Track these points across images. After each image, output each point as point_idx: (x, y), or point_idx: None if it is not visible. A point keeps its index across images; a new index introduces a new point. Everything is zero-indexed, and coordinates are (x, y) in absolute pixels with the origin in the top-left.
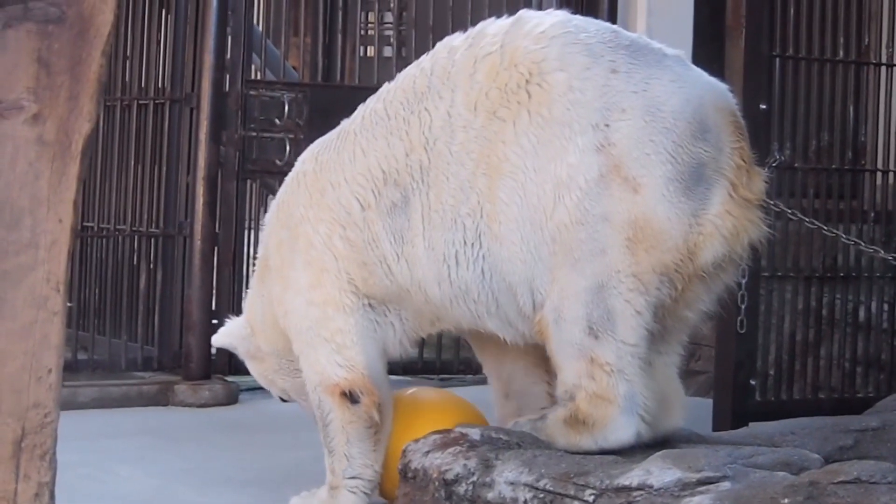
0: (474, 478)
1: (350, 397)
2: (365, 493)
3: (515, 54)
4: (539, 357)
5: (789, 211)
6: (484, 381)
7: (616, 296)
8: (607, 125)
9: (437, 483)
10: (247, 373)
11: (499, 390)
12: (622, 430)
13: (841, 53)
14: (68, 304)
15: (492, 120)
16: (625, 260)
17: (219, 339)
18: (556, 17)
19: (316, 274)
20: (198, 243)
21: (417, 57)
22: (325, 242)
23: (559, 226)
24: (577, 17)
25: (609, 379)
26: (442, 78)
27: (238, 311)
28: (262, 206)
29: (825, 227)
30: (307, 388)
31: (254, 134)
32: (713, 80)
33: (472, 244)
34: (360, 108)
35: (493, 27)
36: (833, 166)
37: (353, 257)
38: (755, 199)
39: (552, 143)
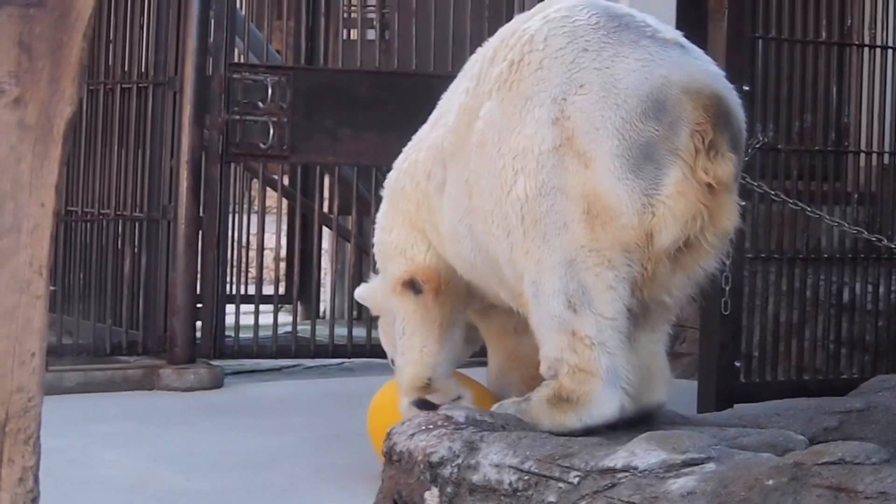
0: (459, 460)
1: (413, 287)
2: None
3: (515, 35)
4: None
5: (773, 192)
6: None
7: (585, 270)
8: (564, 99)
9: (422, 465)
10: (231, 357)
11: (493, 369)
12: (606, 404)
13: (824, 35)
14: (51, 288)
15: (481, 97)
16: (585, 234)
17: (359, 292)
18: (573, 2)
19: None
20: (182, 227)
21: (400, 40)
22: (413, 209)
23: (521, 198)
24: (598, 1)
25: (590, 352)
26: (475, 60)
27: (222, 296)
28: (246, 189)
29: (809, 209)
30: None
31: (237, 117)
32: (700, 63)
33: (462, 219)
34: None
35: (537, 8)
36: (816, 148)
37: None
38: (716, 183)
39: (514, 116)
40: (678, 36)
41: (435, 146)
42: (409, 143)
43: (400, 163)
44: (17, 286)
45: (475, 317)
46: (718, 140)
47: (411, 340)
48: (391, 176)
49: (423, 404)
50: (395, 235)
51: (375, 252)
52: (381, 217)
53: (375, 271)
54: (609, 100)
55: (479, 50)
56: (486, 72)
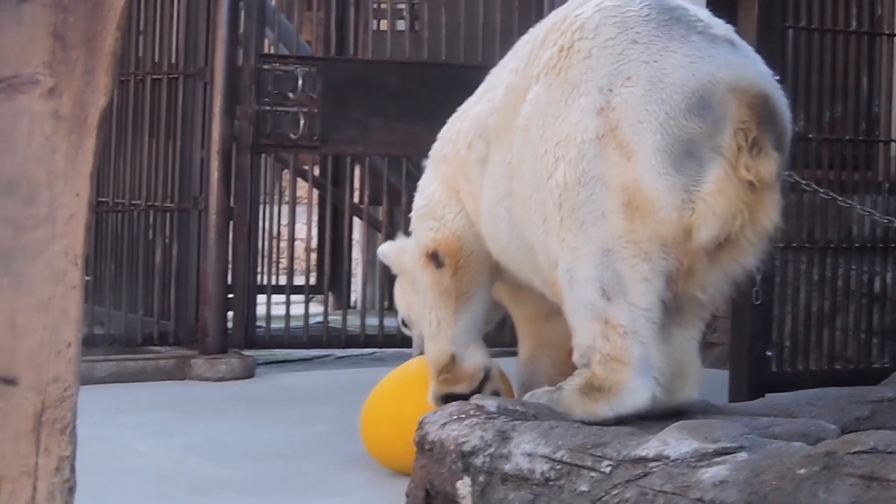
0: (491, 449)
1: (435, 259)
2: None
3: (567, 21)
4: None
5: (804, 182)
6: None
7: (621, 261)
8: (611, 90)
9: (454, 455)
10: (263, 347)
11: (523, 354)
12: (638, 393)
13: (854, 24)
14: (86, 279)
15: (529, 80)
16: (623, 226)
17: (382, 249)
18: None
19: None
20: (213, 217)
21: (430, 30)
22: (451, 173)
23: (560, 185)
24: None
25: (623, 341)
26: (526, 40)
27: (254, 286)
28: (277, 179)
29: (840, 198)
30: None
31: (268, 108)
32: (748, 62)
33: (501, 201)
34: None
35: None
36: (847, 137)
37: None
38: (758, 181)
39: (560, 103)
40: (730, 32)
41: (479, 119)
42: (454, 115)
43: (444, 132)
44: (52, 276)
45: (508, 301)
46: (762, 139)
47: (430, 315)
48: (435, 145)
49: (449, 399)
50: (429, 193)
51: (411, 215)
52: (421, 182)
53: (407, 233)
54: (655, 94)
55: (530, 30)
56: (536, 54)
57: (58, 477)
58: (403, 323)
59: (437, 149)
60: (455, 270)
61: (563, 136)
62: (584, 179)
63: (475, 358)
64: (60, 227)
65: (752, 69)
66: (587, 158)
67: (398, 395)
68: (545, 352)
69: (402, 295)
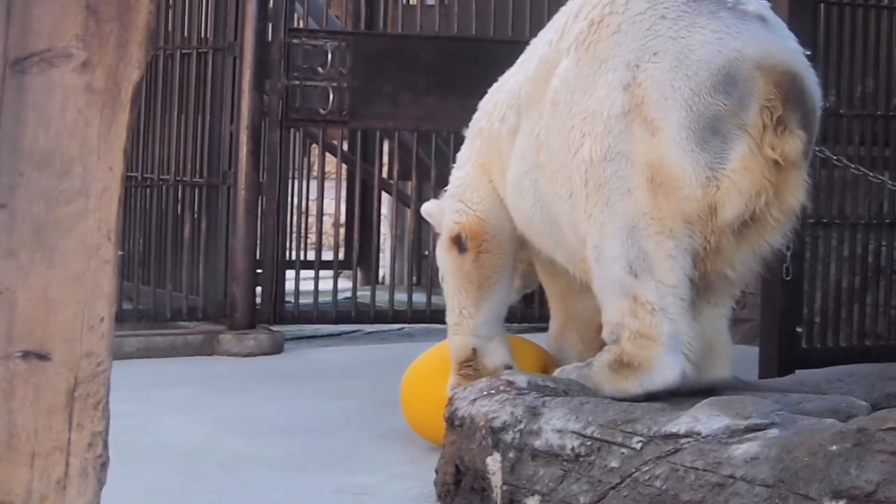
0: (521, 425)
1: (458, 244)
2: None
3: None
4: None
5: (835, 157)
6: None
7: (646, 238)
8: (637, 65)
9: (484, 431)
10: (291, 322)
11: (554, 329)
12: (667, 370)
13: None
14: (119, 253)
15: (560, 52)
16: (648, 202)
17: (426, 207)
18: None
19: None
20: (242, 192)
21: (460, 5)
22: (485, 149)
23: (586, 161)
24: None
25: (651, 318)
26: (563, 12)
27: (282, 262)
28: (306, 154)
29: (871, 174)
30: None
31: (297, 83)
32: (777, 39)
33: (527, 173)
34: None
35: None
36: (878, 112)
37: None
38: (783, 160)
39: (588, 78)
40: (762, 8)
41: (513, 90)
42: (495, 84)
43: (484, 103)
44: (85, 251)
45: (542, 276)
46: (788, 117)
47: (452, 302)
48: (475, 116)
49: None
50: (463, 173)
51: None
52: (459, 154)
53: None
54: (680, 70)
55: (570, 1)
56: (569, 27)
57: (90, 452)
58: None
59: (475, 120)
60: (477, 255)
61: (589, 111)
62: (609, 155)
63: (497, 355)
64: (93, 201)
65: (781, 46)
66: (613, 134)
67: (440, 368)
68: (574, 326)
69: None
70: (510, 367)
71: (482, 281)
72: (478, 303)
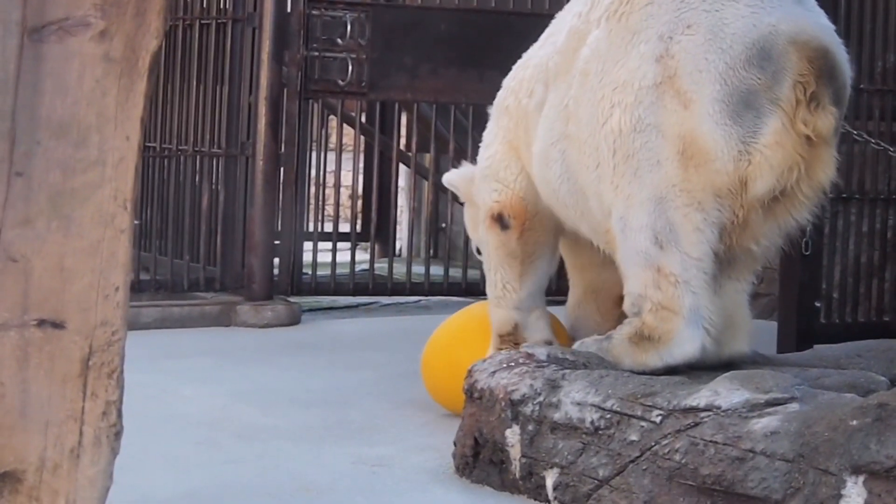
0: (541, 398)
1: (501, 221)
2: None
3: None
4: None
5: (855, 133)
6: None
7: (674, 209)
8: (671, 37)
9: (503, 403)
10: (309, 293)
11: (572, 300)
12: (688, 343)
13: None
14: (135, 223)
15: (591, 24)
16: (678, 174)
17: (448, 177)
18: None
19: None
20: (260, 163)
21: None
22: (513, 126)
23: (615, 131)
24: None
25: (674, 290)
26: None
27: (300, 233)
28: (324, 126)
29: (891, 149)
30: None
31: (316, 54)
32: (811, 15)
33: (555, 143)
34: None
35: None
36: None
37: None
38: (815, 135)
39: (619, 49)
40: None
41: (540, 65)
42: (519, 61)
43: (508, 81)
44: (101, 220)
45: (564, 249)
46: (821, 93)
47: (494, 276)
48: (499, 94)
49: None
50: (491, 152)
51: (475, 171)
52: (485, 133)
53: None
54: (715, 43)
55: None
56: None
57: (104, 421)
58: (478, 251)
59: (500, 98)
60: (521, 233)
61: (620, 81)
62: (639, 126)
63: (537, 330)
64: (110, 170)
65: (815, 22)
66: (644, 105)
67: (462, 336)
68: (592, 297)
69: (472, 223)
70: (550, 342)
71: (525, 257)
72: (521, 277)
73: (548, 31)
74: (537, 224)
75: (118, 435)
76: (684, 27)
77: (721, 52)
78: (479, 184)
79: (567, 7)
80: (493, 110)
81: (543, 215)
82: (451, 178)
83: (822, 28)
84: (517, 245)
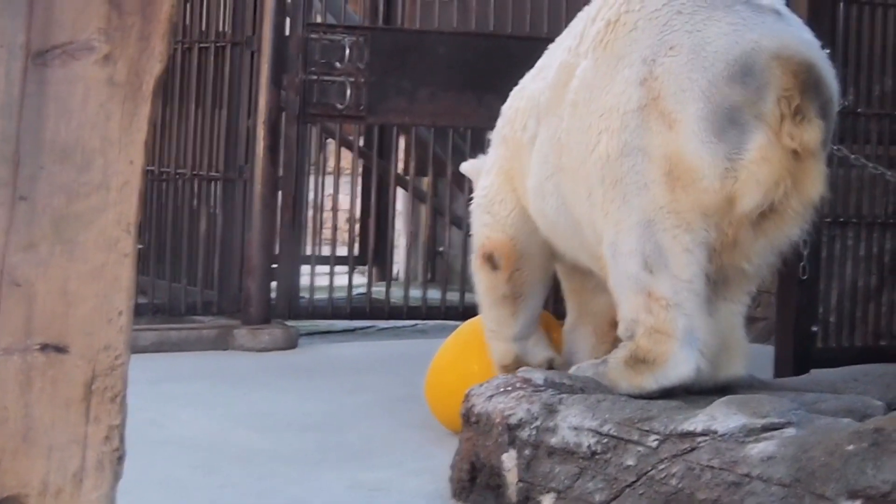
0: (538, 422)
1: (491, 261)
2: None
3: None
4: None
5: (852, 156)
6: None
7: (662, 231)
8: (654, 60)
9: (500, 428)
10: (306, 317)
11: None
12: (682, 365)
13: None
14: (138, 247)
15: (579, 56)
16: (665, 196)
17: (465, 166)
18: None
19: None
20: (258, 187)
21: (478, 1)
22: (509, 156)
23: (603, 157)
24: None
25: (666, 313)
26: (581, 17)
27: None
28: (322, 150)
29: (889, 173)
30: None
31: (315, 77)
32: (793, 30)
33: (550, 177)
34: None
35: None
36: None
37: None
38: (802, 149)
39: (605, 76)
40: (776, 3)
41: (533, 98)
42: (515, 88)
43: (506, 109)
44: (105, 244)
45: (560, 273)
46: (806, 106)
47: (488, 314)
48: (498, 122)
49: None
50: (488, 182)
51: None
52: (486, 160)
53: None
54: (697, 62)
55: (586, 7)
56: (587, 31)
57: (107, 446)
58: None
59: (499, 127)
60: (511, 274)
61: (606, 108)
62: (626, 150)
63: (538, 353)
64: (114, 194)
65: (797, 37)
66: (629, 129)
67: (464, 356)
68: (588, 320)
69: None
70: (552, 360)
71: (516, 297)
72: (515, 315)
73: (540, 62)
74: (527, 264)
75: (121, 459)
76: (667, 49)
77: (703, 70)
78: (474, 212)
79: (558, 40)
80: (493, 138)
81: (534, 254)
82: (467, 167)
83: (805, 42)
84: (507, 287)
